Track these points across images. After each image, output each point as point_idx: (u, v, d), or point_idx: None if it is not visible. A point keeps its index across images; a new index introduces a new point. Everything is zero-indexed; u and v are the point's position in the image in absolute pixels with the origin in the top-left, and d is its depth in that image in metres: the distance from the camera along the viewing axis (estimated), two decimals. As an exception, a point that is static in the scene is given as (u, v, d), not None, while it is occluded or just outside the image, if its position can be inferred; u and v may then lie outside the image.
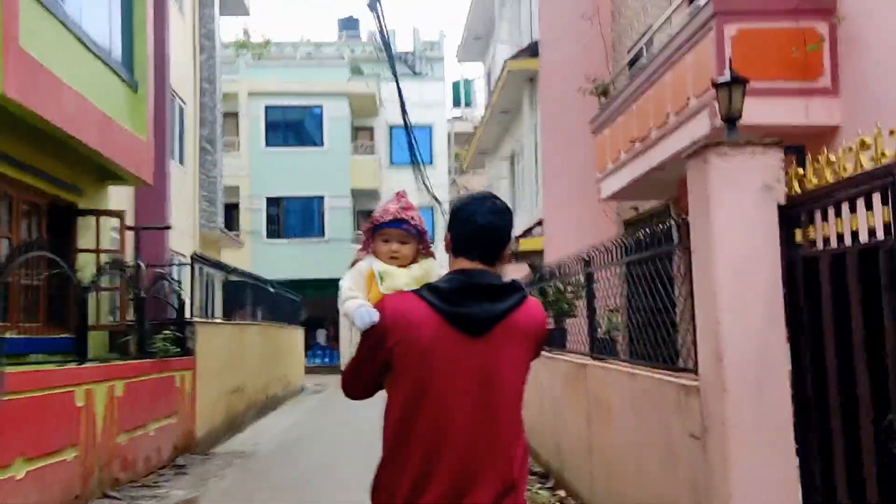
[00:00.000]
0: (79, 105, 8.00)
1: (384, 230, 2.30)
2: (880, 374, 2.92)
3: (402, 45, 35.90)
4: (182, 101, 16.21)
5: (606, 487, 5.72)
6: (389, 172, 30.37)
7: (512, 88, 16.64)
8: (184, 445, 9.27)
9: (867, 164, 3.11)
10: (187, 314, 10.12)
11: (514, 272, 12.31)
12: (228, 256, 20.36)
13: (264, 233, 27.78)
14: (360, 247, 2.40)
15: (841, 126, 7.37)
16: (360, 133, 31.40)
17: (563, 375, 7.21)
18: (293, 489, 7.54)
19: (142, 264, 9.15)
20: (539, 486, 7.35)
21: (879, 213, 2.93)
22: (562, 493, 6.99)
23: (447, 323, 2.07)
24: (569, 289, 8.34)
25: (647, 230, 4.79)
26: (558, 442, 7.39)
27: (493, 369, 2.10)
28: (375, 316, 2.11)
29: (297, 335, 20.11)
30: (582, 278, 6.97)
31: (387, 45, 14.18)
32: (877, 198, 2.95)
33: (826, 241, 3.47)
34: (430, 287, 2.14)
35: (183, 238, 15.37)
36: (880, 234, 2.94)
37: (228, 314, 13.17)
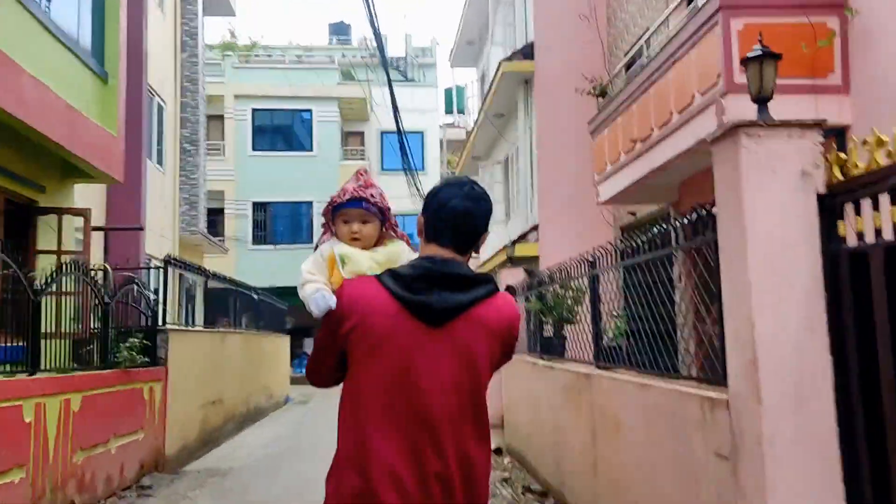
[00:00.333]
0: (40, 95, 7.43)
1: (343, 210, 2.19)
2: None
3: (394, 51, 35.53)
4: (162, 100, 15.66)
5: (612, 513, 5.15)
6: (380, 178, 29.80)
7: (506, 91, 16.14)
8: (151, 463, 8.62)
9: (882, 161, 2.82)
10: (162, 321, 9.50)
11: (510, 277, 11.76)
12: (212, 262, 19.79)
13: (250, 239, 27.15)
14: (322, 230, 2.29)
15: (851, 125, 6.89)
16: (351, 138, 30.92)
17: (564, 386, 6.65)
18: (269, 511, 6.93)
19: (108, 267, 8.53)
20: (535, 507, 6.79)
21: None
22: (560, 515, 6.43)
23: (406, 311, 1.97)
24: (569, 293, 7.81)
25: (664, 225, 4.23)
26: (558, 458, 6.82)
27: (450, 363, 1.97)
28: (332, 301, 2.02)
29: (282, 344, 19.50)
30: (585, 281, 6.43)
31: (380, 46, 13.70)
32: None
33: (878, 233, 2.95)
34: (391, 273, 2.02)
35: (161, 242, 14.78)
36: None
37: (211, 322, 12.59)
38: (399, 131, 15.68)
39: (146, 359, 8.32)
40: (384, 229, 2.24)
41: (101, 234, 11.06)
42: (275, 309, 19.01)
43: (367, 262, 2.11)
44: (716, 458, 3.50)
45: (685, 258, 4.29)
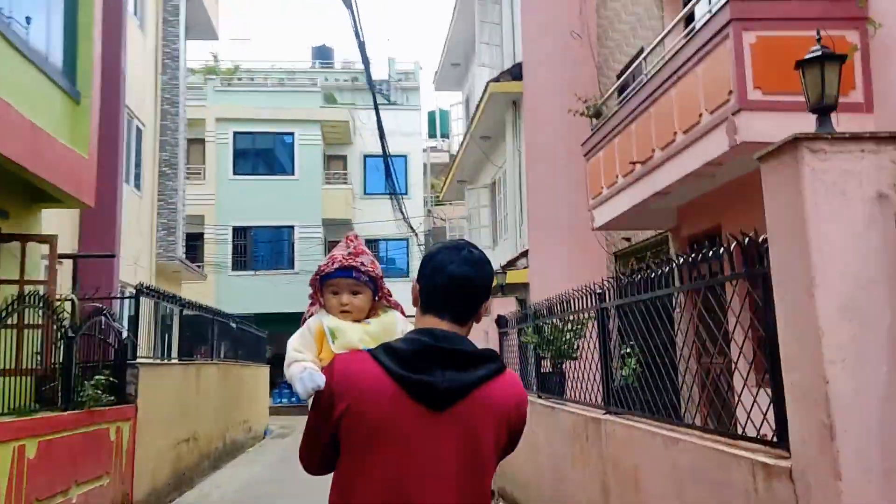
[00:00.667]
0: (1, 113, 6.87)
1: (332, 280, 2.05)
2: None
3: (377, 74, 35.17)
4: (141, 122, 15.11)
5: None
6: (363, 203, 29.35)
7: (494, 112, 15.75)
8: (119, 509, 7.97)
9: None
10: (133, 355, 8.87)
11: (500, 307, 11.24)
12: (191, 289, 19.18)
13: (230, 264, 26.47)
14: (309, 301, 2.14)
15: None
16: (333, 162, 30.44)
17: (568, 431, 6.10)
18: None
19: (75, 297, 7.92)
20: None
21: None
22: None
23: (404, 392, 1.76)
24: (568, 326, 7.31)
25: (698, 252, 3.72)
26: (560, 510, 6.27)
27: (455, 455, 1.76)
28: (320, 380, 1.82)
29: (261, 374, 18.82)
30: (592, 315, 5.93)
31: (367, 67, 13.28)
32: None
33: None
34: (386, 348, 1.83)
35: (136, 269, 14.14)
36: None
37: (188, 352, 11.97)
38: (385, 154, 15.24)
39: (112, 397, 7.68)
40: (377, 299, 2.07)
41: (70, 262, 10.43)
42: (254, 337, 18.39)
43: (359, 334, 1.93)
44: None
45: (722, 291, 3.80)
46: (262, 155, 27.93)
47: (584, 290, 6.12)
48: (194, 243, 24.83)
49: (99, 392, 7.30)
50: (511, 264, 15.13)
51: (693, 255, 3.71)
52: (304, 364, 1.87)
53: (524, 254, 14.33)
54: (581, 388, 6.40)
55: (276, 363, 23.45)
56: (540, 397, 7.61)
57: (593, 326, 6.22)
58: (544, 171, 13.45)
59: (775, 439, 3.08)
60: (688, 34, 8.63)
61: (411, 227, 22.84)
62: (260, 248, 27.27)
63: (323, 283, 2.06)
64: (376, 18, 78.28)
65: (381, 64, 69.79)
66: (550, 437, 6.70)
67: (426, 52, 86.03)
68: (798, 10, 6.44)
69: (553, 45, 13.37)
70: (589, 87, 12.70)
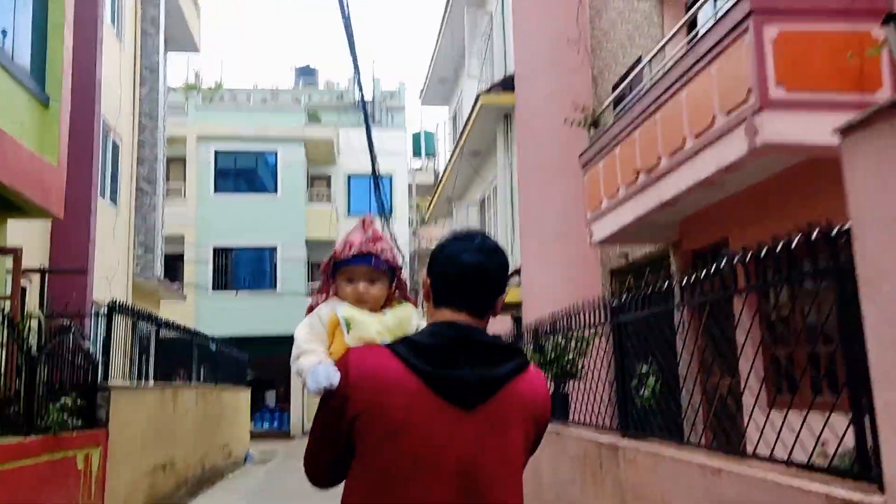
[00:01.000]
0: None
1: (348, 267, 1.86)
2: None
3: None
4: (118, 136, 14.55)
5: None
6: (347, 223, 28.81)
7: (485, 126, 15.34)
8: (86, 544, 7.34)
9: None
10: (104, 376, 8.28)
11: (495, 325, 10.73)
12: (170, 309, 18.53)
13: (210, 285, 25.80)
14: (316, 289, 1.97)
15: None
16: (317, 181, 29.96)
17: (578, 458, 5.59)
18: None
19: (41, 314, 7.35)
20: None
21: None
22: None
23: (429, 390, 1.62)
24: (572, 344, 6.83)
25: (757, 252, 3.24)
26: (569, 544, 5.73)
27: (487, 454, 1.62)
28: (335, 378, 1.65)
29: (242, 398, 18.17)
30: (601, 331, 5.44)
31: (359, 83, 12.87)
32: None
33: None
34: (407, 341, 1.68)
35: (112, 287, 13.51)
36: None
37: (165, 374, 11.37)
38: (374, 173, 14.78)
39: (79, 422, 7.09)
40: (392, 290, 1.92)
41: (39, 277, 9.82)
42: (235, 360, 17.83)
43: (376, 326, 1.78)
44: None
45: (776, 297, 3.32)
46: (244, 174, 27.42)
47: (594, 304, 5.64)
48: (174, 263, 24.23)
49: (65, 416, 6.70)
50: (503, 282, 14.65)
51: (753, 254, 3.22)
52: (316, 357, 1.71)
53: (517, 272, 13.87)
54: (589, 409, 5.91)
55: (258, 386, 22.94)
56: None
57: (599, 343, 5.76)
58: (537, 185, 13.00)
59: (856, 469, 2.58)
60: (692, 39, 8.25)
61: (398, 247, 22.38)
62: (241, 268, 26.67)
63: (336, 270, 1.88)
64: (361, 39, 78.44)
65: (365, 84, 69.86)
66: (555, 462, 6.18)
67: (411, 72, 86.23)
68: (822, 1, 6.04)
69: (547, 54, 13.00)
70: (584, 97, 12.34)
